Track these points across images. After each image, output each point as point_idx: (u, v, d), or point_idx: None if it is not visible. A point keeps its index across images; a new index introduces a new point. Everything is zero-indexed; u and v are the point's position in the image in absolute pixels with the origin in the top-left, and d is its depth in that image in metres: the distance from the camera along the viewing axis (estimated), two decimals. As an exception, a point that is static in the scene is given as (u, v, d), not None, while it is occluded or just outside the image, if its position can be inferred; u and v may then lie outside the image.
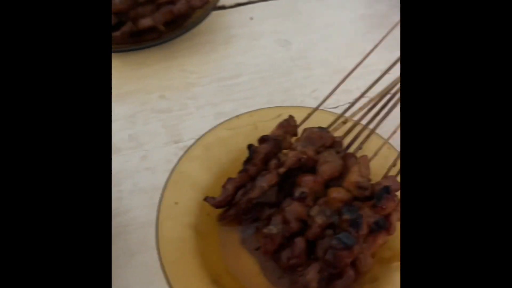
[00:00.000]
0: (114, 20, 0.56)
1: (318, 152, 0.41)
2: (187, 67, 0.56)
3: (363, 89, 0.45)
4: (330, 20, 0.63)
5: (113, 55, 0.57)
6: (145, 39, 0.56)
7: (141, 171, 0.48)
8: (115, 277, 0.41)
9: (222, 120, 0.51)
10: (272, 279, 0.39)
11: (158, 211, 0.40)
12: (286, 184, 0.42)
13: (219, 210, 0.42)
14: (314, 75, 0.56)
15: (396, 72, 0.42)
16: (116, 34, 0.55)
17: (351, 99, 0.46)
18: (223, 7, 0.61)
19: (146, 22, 0.55)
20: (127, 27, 0.55)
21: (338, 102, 0.52)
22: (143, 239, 0.43)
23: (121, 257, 0.42)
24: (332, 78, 0.55)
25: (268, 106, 0.49)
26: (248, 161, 0.42)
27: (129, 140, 0.50)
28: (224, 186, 0.42)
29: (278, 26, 0.61)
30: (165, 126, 0.51)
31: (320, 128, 0.42)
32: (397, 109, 0.42)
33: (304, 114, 0.45)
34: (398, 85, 0.46)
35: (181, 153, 0.48)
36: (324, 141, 0.42)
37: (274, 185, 0.41)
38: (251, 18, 0.62)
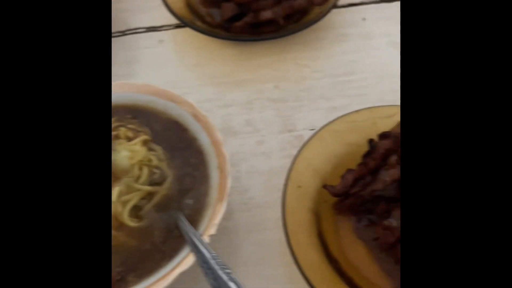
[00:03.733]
0: (236, 10, 0.59)
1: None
2: (301, 61, 0.59)
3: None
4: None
5: (232, 44, 0.61)
6: (263, 31, 0.59)
7: (257, 154, 0.51)
8: (232, 251, 0.44)
9: (334, 113, 0.52)
10: (386, 269, 0.41)
11: (284, 192, 0.42)
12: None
13: (335, 199, 0.44)
14: (426, 79, 0.56)
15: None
16: (237, 24, 0.59)
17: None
18: (336, 6, 0.62)
19: (267, 14, 0.58)
20: (248, 18, 0.58)
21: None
22: (260, 219, 0.46)
23: (240, 233, 0.45)
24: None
25: (380, 105, 0.50)
26: (368, 154, 0.44)
27: (245, 124, 0.53)
28: (343, 176, 0.44)
29: (391, 28, 0.62)
30: (280, 115, 0.54)
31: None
32: None
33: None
34: None
35: (295, 141, 0.51)
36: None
37: (396, 181, 0.42)
38: (364, 19, 0.63)
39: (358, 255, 0.42)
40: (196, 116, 0.45)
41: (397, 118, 0.47)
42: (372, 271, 0.41)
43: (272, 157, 0.50)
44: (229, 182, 0.40)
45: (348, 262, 0.41)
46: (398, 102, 0.54)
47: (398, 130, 0.45)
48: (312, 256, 0.40)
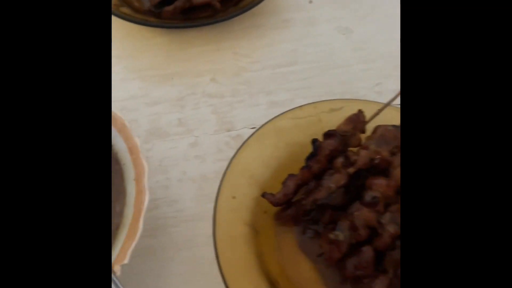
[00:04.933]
0: (168, -7, 0.52)
1: (392, 154, 0.37)
2: (239, 51, 0.53)
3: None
4: (391, 11, 0.58)
5: (161, 31, 0.54)
6: (198, 17, 0.52)
7: (190, 159, 0.44)
8: (159, 272, 0.38)
9: (276, 109, 0.47)
10: (333, 288, 0.36)
11: (216, 204, 0.37)
12: (353, 186, 0.38)
13: (277, 208, 0.39)
14: (375, 68, 0.52)
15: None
16: (168, 9, 0.52)
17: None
18: (278, -12, 0.57)
19: (201, -2, 0.52)
20: (180, 2, 0.52)
21: (404, 99, 0.48)
22: (191, 234, 0.40)
23: (167, 251, 0.39)
24: (396, 72, 0.51)
25: (326, 98, 0.45)
26: (311, 157, 0.39)
27: (177, 124, 0.47)
28: (284, 183, 0.38)
29: (337, 12, 0.57)
30: (216, 112, 0.48)
31: (395, 126, 0.38)
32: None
33: (371, 109, 0.41)
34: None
35: (232, 142, 0.45)
36: (399, 141, 0.38)
37: (342, 187, 0.37)
38: (310, 1, 0.58)
39: (302, 272, 0.37)
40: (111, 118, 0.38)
41: (345, 112, 0.42)
42: (317, 291, 0.36)
43: (206, 161, 0.44)
44: (146, 197, 0.34)
45: (290, 282, 0.36)
46: (346, 95, 0.49)
47: (345, 127, 0.40)
48: (246, 279, 0.34)
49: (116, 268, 0.31)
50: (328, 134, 0.39)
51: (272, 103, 0.48)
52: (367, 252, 0.35)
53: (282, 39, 0.54)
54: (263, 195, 0.38)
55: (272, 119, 0.42)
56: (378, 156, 0.37)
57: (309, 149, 0.39)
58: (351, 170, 0.37)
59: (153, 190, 0.42)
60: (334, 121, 0.42)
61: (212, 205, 0.41)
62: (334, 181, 0.37)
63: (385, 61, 0.52)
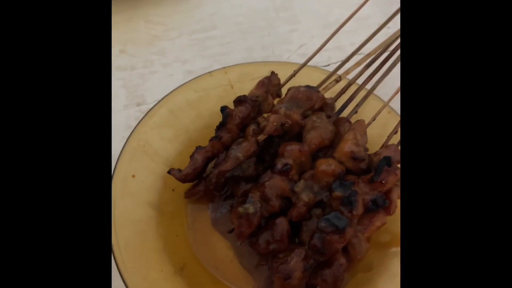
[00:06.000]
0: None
1: (305, 116, 0.34)
2: (152, 18, 0.48)
3: (358, 46, 0.38)
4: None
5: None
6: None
7: (95, 138, 0.40)
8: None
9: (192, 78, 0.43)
10: (248, 266, 0.33)
11: (112, 186, 0.33)
12: (266, 154, 0.35)
13: (187, 185, 0.36)
14: (301, 29, 0.48)
15: (396, 26, 0.35)
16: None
17: (344, 56, 0.39)
18: None
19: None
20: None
21: (330, 60, 0.44)
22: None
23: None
24: (323, 33, 0.48)
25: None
26: (221, 126, 0.35)
27: (82, 102, 0.42)
28: (192, 157, 0.35)
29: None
30: (126, 86, 0.43)
31: (308, 87, 0.35)
32: (398, 68, 0.35)
33: (289, 71, 0.38)
34: (398, 41, 0.39)
35: (143, 117, 0.41)
36: (313, 102, 0.35)
37: (252, 156, 0.34)
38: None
39: (216, 253, 0.34)
40: None
41: (258, 75, 0.39)
42: (230, 271, 0.33)
43: (114, 140, 0.40)
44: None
45: (201, 264, 0.33)
46: (268, 59, 0.45)
47: (257, 92, 0.36)
48: (144, 268, 0.31)
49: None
50: (239, 101, 0.36)
51: (188, 72, 0.44)
52: (281, 224, 0.32)
53: (200, 3, 0.50)
54: (169, 171, 0.34)
55: (179, 86, 0.38)
56: (288, 120, 0.33)
57: (220, 119, 0.36)
58: (261, 137, 0.34)
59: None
60: (246, 87, 0.38)
61: (116, 187, 0.37)
62: (242, 150, 0.33)
63: (312, 21, 0.49)
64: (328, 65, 0.44)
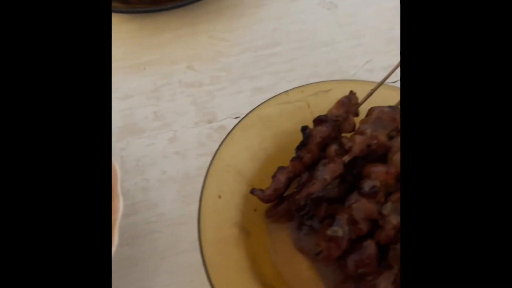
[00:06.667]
0: (131, -24, 0.47)
1: (390, 137, 0.34)
2: (215, 34, 0.48)
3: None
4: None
5: (129, 17, 0.49)
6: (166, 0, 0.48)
7: (169, 156, 0.40)
8: (142, 284, 0.34)
9: (260, 96, 0.44)
10: (334, 288, 0.33)
11: (200, 205, 0.33)
12: (349, 175, 0.35)
13: (267, 205, 0.36)
14: (364, 44, 0.48)
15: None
16: (133, -8, 0.47)
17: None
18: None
19: (168, -22, 0.47)
20: (146, -16, 0.47)
21: (398, 76, 0.44)
22: (174, 240, 0.36)
23: (149, 261, 0.35)
24: (386, 48, 0.48)
25: (313, 81, 0.41)
26: (301, 146, 0.35)
27: (153, 119, 0.43)
28: (274, 177, 0.35)
29: (320, -14, 0.53)
30: (195, 103, 0.44)
31: (391, 107, 0.35)
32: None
33: (363, 90, 0.38)
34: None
35: (215, 134, 0.42)
36: (397, 123, 0.34)
37: (337, 177, 0.34)
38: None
39: (299, 273, 0.34)
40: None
41: (334, 95, 0.39)
42: (317, 293, 0.33)
43: (187, 158, 0.40)
44: (120, 205, 0.30)
45: (287, 285, 0.33)
46: (335, 75, 0.45)
47: (337, 112, 0.36)
48: (237, 286, 0.31)
49: None
50: (319, 120, 0.36)
51: (256, 89, 0.44)
52: (369, 247, 0.32)
53: (262, 18, 0.50)
54: (252, 191, 0.35)
55: (257, 107, 0.38)
56: (375, 141, 0.33)
57: (299, 137, 0.36)
58: (346, 158, 0.34)
59: (130, 194, 0.38)
60: (323, 105, 0.38)
61: (196, 206, 0.37)
62: (328, 171, 0.33)
63: (375, 35, 0.49)
64: (396, 81, 0.44)
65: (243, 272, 0.32)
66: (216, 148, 0.39)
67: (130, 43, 0.48)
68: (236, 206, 0.35)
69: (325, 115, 0.36)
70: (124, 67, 0.46)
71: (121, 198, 0.30)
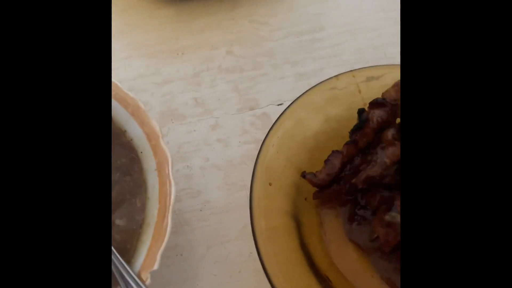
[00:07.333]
0: (168, -41, 0.46)
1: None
2: (256, 18, 0.47)
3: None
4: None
5: (166, 1, 0.48)
6: (206, -17, 0.46)
7: (212, 143, 0.39)
8: (189, 277, 0.33)
9: (304, 82, 0.42)
10: (388, 279, 0.31)
11: (251, 193, 0.31)
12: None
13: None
14: (410, 30, 0.46)
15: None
16: (172, -25, 0.46)
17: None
18: None
19: (208, -39, 0.45)
20: (185, -33, 0.46)
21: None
22: (221, 228, 0.35)
23: (196, 250, 0.34)
24: (435, 33, 0.45)
25: (359, 66, 0.39)
26: (356, 130, 0.34)
27: (193, 105, 0.41)
28: (327, 161, 0.33)
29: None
30: (237, 89, 0.42)
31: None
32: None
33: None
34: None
35: (258, 121, 0.40)
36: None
37: (397, 163, 0.32)
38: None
39: (352, 264, 0.32)
40: (122, 100, 0.33)
41: (385, 81, 0.37)
42: (372, 285, 0.31)
43: (231, 145, 0.39)
44: (173, 188, 0.29)
45: (342, 276, 0.31)
46: (381, 61, 0.43)
47: (395, 95, 0.34)
48: (294, 276, 0.29)
49: (145, 276, 0.26)
50: (376, 103, 0.34)
51: (300, 75, 0.43)
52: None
53: (304, 2, 0.48)
54: (303, 175, 0.33)
55: (305, 92, 0.36)
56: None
57: (349, 124, 0.34)
58: (406, 143, 0.32)
59: (173, 181, 0.37)
60: (373, 91, 0.36)
61: (241, 193, 0.36)
62: (388, 155, 0.32)
63: (421, 21, 0.46)
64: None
65: (298, 262, 0.31)
66: (259, 136, 0.38)
67: (167, 28, 0.46)
68: (286, 194, 0.33)
69: (383, 98, 0.34)
70: (162, 52, 0.45)
71: (173, 183, 0.29)
